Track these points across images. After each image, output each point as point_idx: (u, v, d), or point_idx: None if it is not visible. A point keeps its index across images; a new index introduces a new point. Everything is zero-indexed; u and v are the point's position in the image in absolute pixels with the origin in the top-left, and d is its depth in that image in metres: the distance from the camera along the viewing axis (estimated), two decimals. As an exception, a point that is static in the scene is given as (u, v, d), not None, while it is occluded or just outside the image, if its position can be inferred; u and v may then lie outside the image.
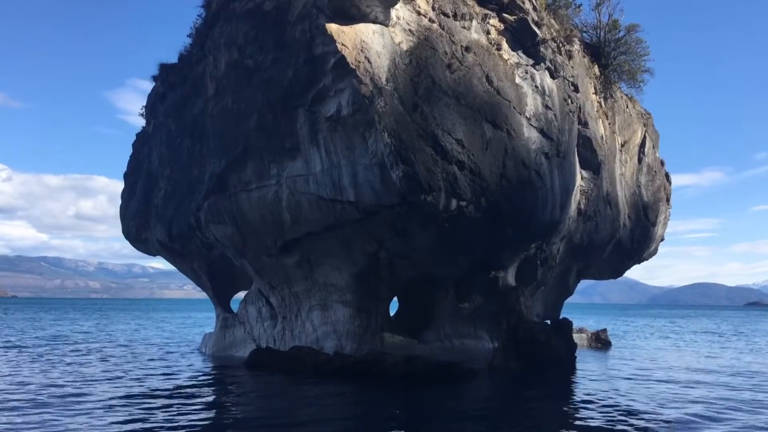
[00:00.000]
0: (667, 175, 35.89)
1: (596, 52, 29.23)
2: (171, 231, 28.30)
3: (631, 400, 18.51)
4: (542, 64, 23.81)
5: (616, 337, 46.88)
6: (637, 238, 32.73)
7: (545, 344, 25.93)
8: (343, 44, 19.26)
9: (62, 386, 19.77)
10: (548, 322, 29.16)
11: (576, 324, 51.17)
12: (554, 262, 27.32)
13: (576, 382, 23.16)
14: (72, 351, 32.25)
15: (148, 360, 28.15)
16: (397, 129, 19.26)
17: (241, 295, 31.22)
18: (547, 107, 23.51)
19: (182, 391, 19.55)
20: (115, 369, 24.57)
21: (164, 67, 30.54)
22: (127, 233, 31.93)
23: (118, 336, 44.99)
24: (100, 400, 17.15)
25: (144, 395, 18.39)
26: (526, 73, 23.26)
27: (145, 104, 32.91)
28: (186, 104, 27.52)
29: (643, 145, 32.97)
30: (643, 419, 15.63)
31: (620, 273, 35.90)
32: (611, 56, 29.42)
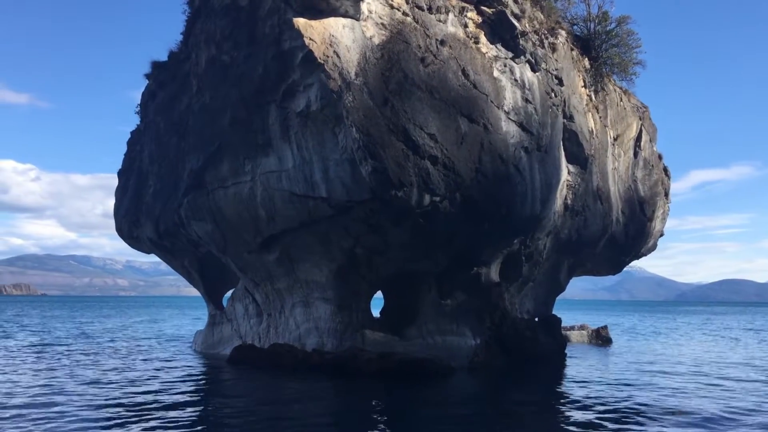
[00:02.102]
0: (665, 169, 35.24)
1: (586, 44, 28.73)
2: (159, 228, 28.36)
3: (616, 396, 18.21)
4: (522, 57, 23.43)
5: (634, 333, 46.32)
6: (632, 233, 32.19)
7: (531, 340, 25.66)
8: (311, 39, 19.09)
9: (44, 384, 19.92)
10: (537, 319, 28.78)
11: (591, 322, 50.76)
12: (541, 258, 26.91)
13: (555, 378, 23.01)
14: (69, 346, 32.53)
15: (136, 356, 28.28)
16: (366, 124, 19.06)
17: (233, 292, 31.22)
18: (527, 101, 23.14)
19: (158, 386, 19.54)
20: (99, 366, 24.67)
21: (156, 65, 30.61)
22: (120, 230, 32.07)
23: (120, 334, 45.31)
24: (74, 400, 17.12)
25: (118, 391, 18.45)
26: (505, 66, 22.91)
27: (139, 102, 33.08)
28: (174, 102, 27.55)
29: (638, 138, 32.40)
30: (623, 416, 15.31)
31: (618, 269, 35.37)
32: (602, 48, 28.89)
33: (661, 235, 35.98)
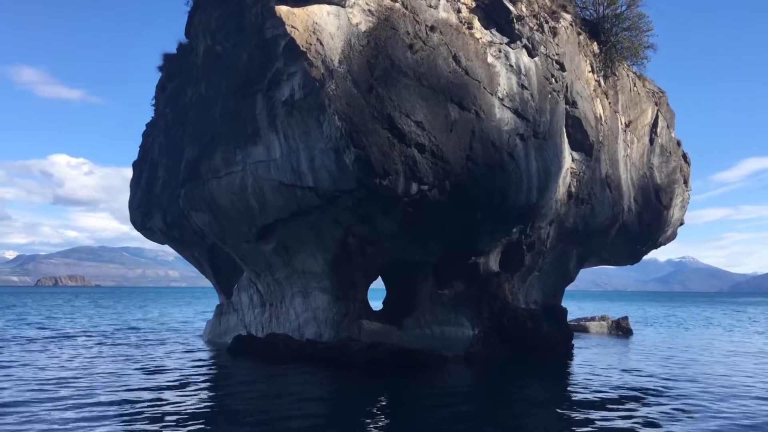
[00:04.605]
0: (684, 156, 34.20)
1: (595, 29, 27.97)
2: (166, 219, 28.63)
3: (614, 390, 17.64)
4: (519, 42, 22.89)
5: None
6: (646, 221, 31.32)
7: (534, 331, 25.13)
8: (293, 26, 18.94)
9: (44, 369, 20.44)
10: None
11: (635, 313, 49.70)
12: (544, 247, 26.33)
13: (552, 368, 22.60)
14: (83, 333, 33.21)
15: (144, 346, 28.65)
16: (349, 112, 18.85)
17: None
18: (522, 87, 22.62)
19: (153, 375, 19.75)
20: (100, 354, 25.05)
21: (167, 58, 30.87)
22: (134, 221, 32.43)
23: (139, 322, 46.14)
24: (64, 387, 17.41)
25: (110, 380, 18.68)
26: (500, 51, 22.41)
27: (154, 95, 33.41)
28: (180, 93, 27.71)
29: (654, 124, 31.47)
30: (616, 413, 14.73)
31: (637, 258, 34.49)
32: (611, 32, 28.09)
33: (681, 223, 34.99)
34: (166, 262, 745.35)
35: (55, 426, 12.66)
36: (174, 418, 13.55)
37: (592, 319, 39.39)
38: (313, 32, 19.05)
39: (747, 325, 50.12)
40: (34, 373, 19.75)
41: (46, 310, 67.68)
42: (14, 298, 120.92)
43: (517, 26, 22.80)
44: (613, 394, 16.79)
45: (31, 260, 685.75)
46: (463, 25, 22.01)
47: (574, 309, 71.67)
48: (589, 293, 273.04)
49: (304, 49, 18.81)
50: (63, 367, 21.35)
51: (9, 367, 21.21)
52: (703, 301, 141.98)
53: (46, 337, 32.81)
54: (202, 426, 12.90)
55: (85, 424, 12.82)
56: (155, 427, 12.73)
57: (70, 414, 13.79)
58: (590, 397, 16.49)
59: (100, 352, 25.72)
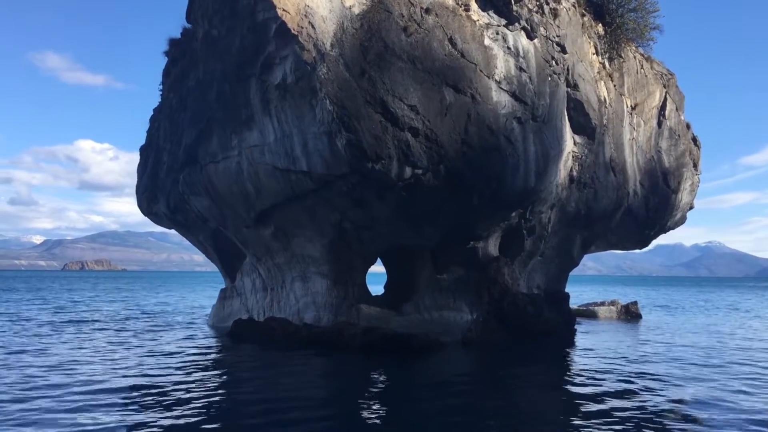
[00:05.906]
0: (694, 139, 33.68)
1: (600, 10, 27.53)
2: (169, 204, 28.75)
3: (610, 376, 17.44)
4: (517, 24, 22.58)
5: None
6: (653, 206, 30.91)
7: (535, 316, 24.99)
8: (284, 10, 18.83)
9: (45, 354, 20.69)
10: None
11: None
12: (545, 232, 26.05)
13: (549, 352, 22.46)
14: (79, 317, 33.60)
15: (151, 329, 28.93)
16: (341, 96, 18.73)
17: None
18: (521, 69, 22.33)
19: (153, 358, 19.93)
20: (105, 337, 25.31)
21: (172, 42, 30.85)
22: (140, 205, 32.61)
23: (143, 306, 46.66)
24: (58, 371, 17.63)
25: (107, 365, 18.87)
26: (497, 34, 22.12)
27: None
28: (183, 78, 27.71)
29: (663, 107, 30.99)
30: (612, 399, 14.59)
31: (645, 243, 34.05)
32: (617, 13, 27.62)
33: (691, 207, 34.51)
34: (191, 246, 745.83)
35: (48, 413, 12.73)
36: (164, 404, 13.60)
37: (602, 303, 39.11)
38: (305, 15, 18.93)
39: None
40: (36, 358, 20.01)
41: (67, 293, 68.65)
42: (39, 282, 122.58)
43: (515, 8, 22.49)
44: (609, 381, 16.63)
45: (58, 245, 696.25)
46: (460, 6, 21.75)
47: (595, 294, 71.24)
48: (613, 278, 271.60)
49: (296, 33, 18.70)
50: (65, 352, 21.60)
51: (18, 352, 21.51)
52: (733, 286, 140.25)
53: (56, 322, 33.24)
54: (194, 415, 12.91)
55: (76, 414, 12.78)
56: (151, 417, 12.76)
57: (65, 401, 13.81)
58: (585, 382, 16.37)
59: (105, 337, 25.97)
